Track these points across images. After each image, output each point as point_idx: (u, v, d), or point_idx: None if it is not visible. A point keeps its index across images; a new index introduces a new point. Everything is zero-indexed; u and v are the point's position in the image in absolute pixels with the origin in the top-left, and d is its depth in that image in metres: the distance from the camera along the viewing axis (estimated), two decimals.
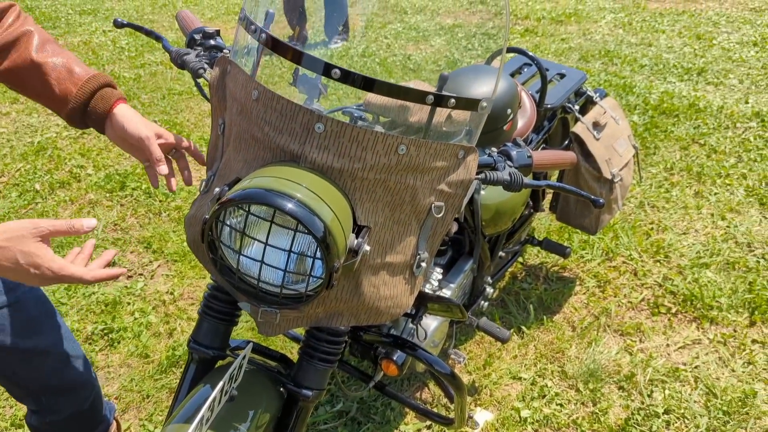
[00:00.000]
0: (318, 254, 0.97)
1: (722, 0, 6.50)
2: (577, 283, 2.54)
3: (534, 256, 2.71)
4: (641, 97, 4.21)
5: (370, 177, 1.02)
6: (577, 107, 2.24)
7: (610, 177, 2.15)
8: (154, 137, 1.22)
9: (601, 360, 2.15)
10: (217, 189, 1.01)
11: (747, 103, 4.09)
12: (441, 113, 1.16)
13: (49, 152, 3.64)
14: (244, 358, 1.13)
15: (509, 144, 1.30)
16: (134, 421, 2.00)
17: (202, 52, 1.30)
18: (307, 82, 1.27)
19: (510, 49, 2.07)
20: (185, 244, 2.79)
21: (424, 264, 1.17)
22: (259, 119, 1.03)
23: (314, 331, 1.23)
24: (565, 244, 2.60)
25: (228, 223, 0.98)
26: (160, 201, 3.13)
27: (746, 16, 5.96)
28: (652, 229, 2.85)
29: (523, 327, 2.32)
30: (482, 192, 1.81)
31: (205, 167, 3.04)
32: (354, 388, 2.09)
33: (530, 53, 2.06)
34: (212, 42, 1.31)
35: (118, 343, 2.30)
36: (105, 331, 2.34)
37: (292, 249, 0.97)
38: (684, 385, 2.06)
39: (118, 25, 1.37)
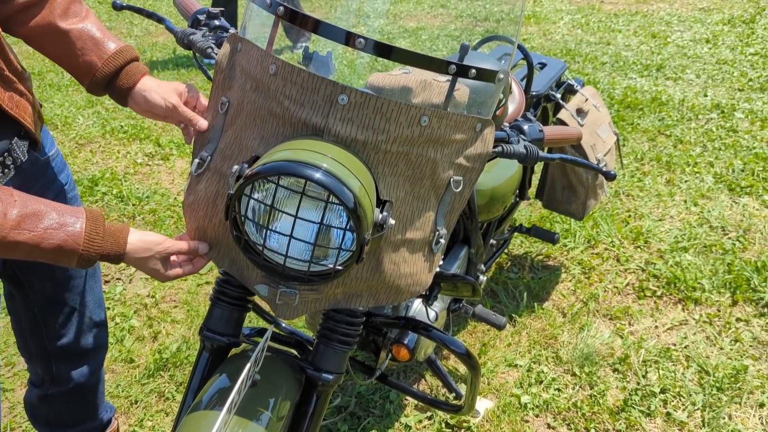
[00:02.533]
0: (349, 226, 0.95)
1: (672, 1, 6.71)
2: (563, 270, 2.56)
3: (518, 246, 2.73)
4: (606, 92, 4.31)
5: (393, 150, 1.01)
6: (558, 95, 2.26)
7: (595, 162, 2.17)
8: (179, 102, 1.18)
9: (594, 344, 2.17)
10: (235, 167, 0.98)
11: (706, 96, 4.22)
12: (457, 85, 1.15)
13: None
14: (266, 341, 1.09)
15: (520, 119, 1.30)
16: (124, 427, 1.92)
17: (208, 32, 1.26)
18: (318, 60, 1.25)
19: (496, 37, 2.08)
20: None
21: (442, 240, 1.16)
22: (278, 93, 1.00)
23: (332, 313, 1.20)
24: None
25: (255, 197, 0.95)
26: (134, 204, 3.04)
27: (696, 15, 6.16)
28: (629, 216, 2.90)
29: (514, 315, 2.32)
30: None
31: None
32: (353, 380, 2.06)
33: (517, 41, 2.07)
34: (217, 22, 1.28)
35: None
36: None
37: (323, 222, 0.94)
38: (677, 365, 2.09)
39: (117, 7, 1.32)
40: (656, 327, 2.26)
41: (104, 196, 3.11)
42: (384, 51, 0.98)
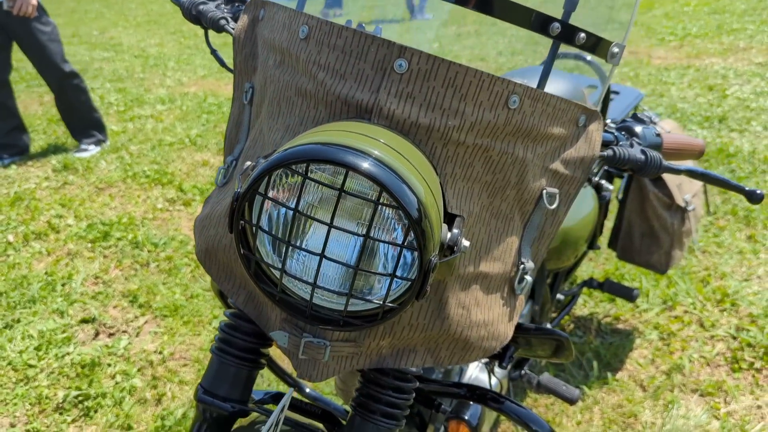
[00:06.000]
0: (407, 242, 0.63)
1: (726, 56, 6.42)
2: (636, 335, 2.18)
3: (580, 305, 2.36)
4: None
5: (469, 141, 0.70)
6: None
7: (683, 204, 1.84)
8: None
9: (686, 427, 1.77)
10: (248, 162, 0.68)
11: None
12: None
13: (26, 203, 3.29)
14: (282, 411, 0.76)
15: (629, 119, 0.99)
16: None
17: (223, 5, 0.99)
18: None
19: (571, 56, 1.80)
20: (176, 296, 2.41)
21: (528, 278, 0.83)
22: (310, 64, 0.71)
23: (375, 375, 0.87)
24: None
25: (272, 197, 0.65)
26: (149, 251, 2.76)
27: (753, 69, 5.84)
28: (708, 275, 2.52)
29: (583, 386, 1.94)
30: None
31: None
32: None
33: (589, 58, 1.79)
34: None
35: (95, 412, 1.88)
36: (79, 398, 1.93)
37: (369, 234, 0.62)
38: None
39: None
40: (759, 407, 1.85)
41: (118, 242, 2.84)
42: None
